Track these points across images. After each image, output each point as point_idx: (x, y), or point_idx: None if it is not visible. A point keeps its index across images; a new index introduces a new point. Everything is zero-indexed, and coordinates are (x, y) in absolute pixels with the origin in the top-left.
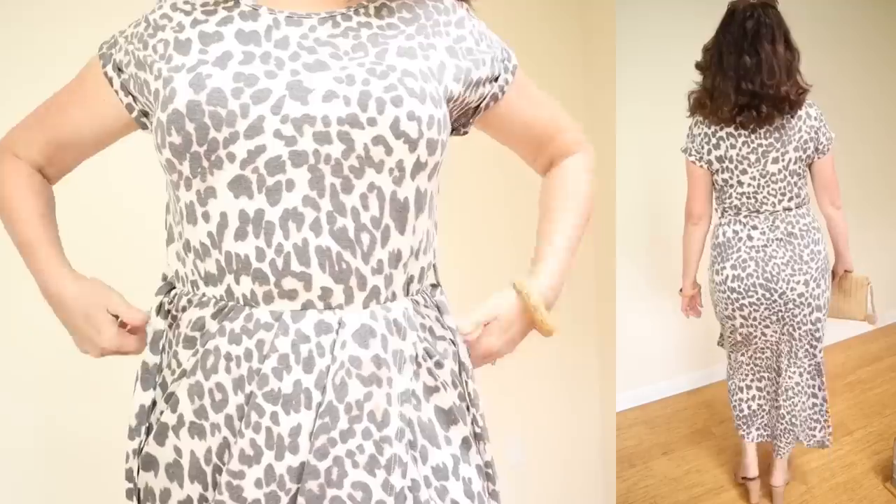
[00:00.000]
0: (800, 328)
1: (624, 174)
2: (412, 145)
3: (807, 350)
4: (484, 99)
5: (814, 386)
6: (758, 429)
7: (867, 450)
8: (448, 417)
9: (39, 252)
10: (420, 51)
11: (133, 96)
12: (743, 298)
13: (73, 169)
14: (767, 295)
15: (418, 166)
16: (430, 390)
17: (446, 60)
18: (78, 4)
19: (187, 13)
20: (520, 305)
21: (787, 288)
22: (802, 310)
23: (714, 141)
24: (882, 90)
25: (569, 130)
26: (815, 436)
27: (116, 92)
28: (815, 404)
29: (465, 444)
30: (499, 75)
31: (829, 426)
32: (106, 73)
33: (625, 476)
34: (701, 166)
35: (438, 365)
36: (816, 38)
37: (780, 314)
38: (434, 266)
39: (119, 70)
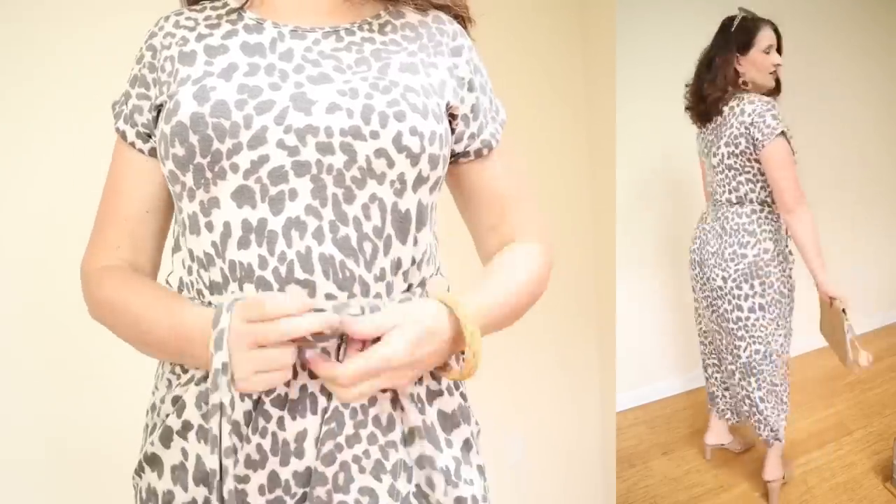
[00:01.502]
0: (725, 322)
1: (624, 174)
2: (414, 160)
3: (732, 349)
4: (474, 140)
5: (744, 387)
6: (715, 406)
7: (867, 450)
8: (451, 421)
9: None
10: (422, 67)
11: (154, 137)
12: (690, 270)
13: (162, 249)
14: (700, 275)
15: (420, 180)
16: (434, 394)
17: (447, 79)
18: (74, 4)
19: (191, 29)
20: (446, 319)
21: (711, 275)
22: (723, 304)
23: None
24: (883, 90)
25: (534, 222)
26: (760, 434)
27: (133, 144)
28: (750, 404)
29: (467, 445)
30: (487, 123)
31: (770, 427)
32: (118, 129)
33: (625, 476)
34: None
35: None
36: (815, 37)
37: (709, 299)
38: (443, 276)
39: (133, 121)
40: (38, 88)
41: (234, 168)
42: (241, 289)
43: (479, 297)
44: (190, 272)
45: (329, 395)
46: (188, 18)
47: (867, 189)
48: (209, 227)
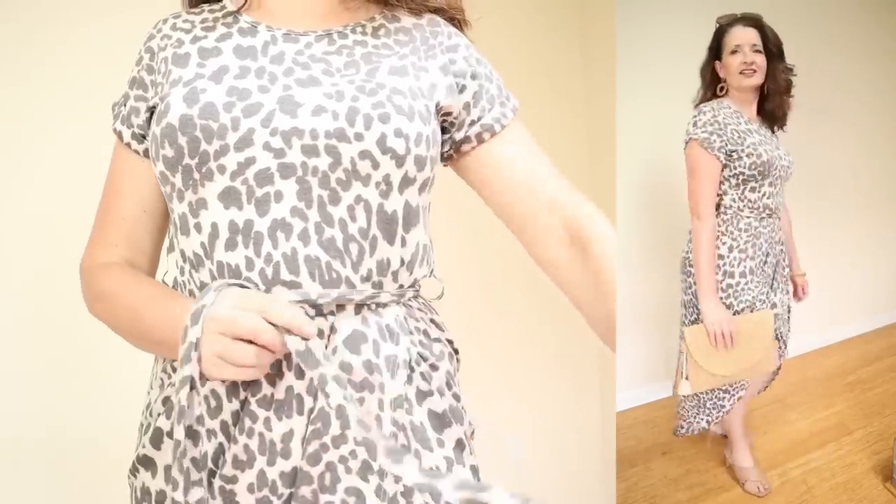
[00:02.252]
0: None
1: (624, 175)
2: (399, 161)
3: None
4: (474, 125)
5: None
6: None
7: (867, 450)
8: (442, 420)
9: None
10: (412, 70)
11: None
12: None
13: (160, 250)
14: None
15: (406, 181)
16: (424, 394)
17: (438, 81)
18: (72, 5)
19: (187, 31)
20: None
21: None
22: None
23: None
24: (885, 94)
25: (580, 200)
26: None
27: (128, 145)
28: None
29: (459, 445)
30: (492, 107)
31: (683, 419)
32: (115, 130)
33: (625, 476)
34: None
35: (433, 367)
36: (816, 39)
37: None
38: (436, 277)
39: (129, 123)
40: (36, 89)
41: (221, 169)
42: None
43: None
44: (182, 272)
45: (315, 396)
46: (185, 21)
47: (868, 191)
48: (198, 228)
